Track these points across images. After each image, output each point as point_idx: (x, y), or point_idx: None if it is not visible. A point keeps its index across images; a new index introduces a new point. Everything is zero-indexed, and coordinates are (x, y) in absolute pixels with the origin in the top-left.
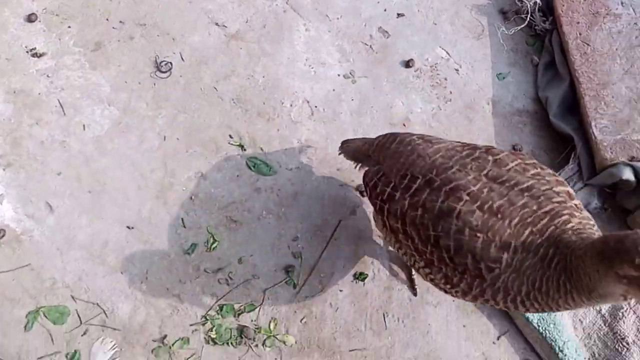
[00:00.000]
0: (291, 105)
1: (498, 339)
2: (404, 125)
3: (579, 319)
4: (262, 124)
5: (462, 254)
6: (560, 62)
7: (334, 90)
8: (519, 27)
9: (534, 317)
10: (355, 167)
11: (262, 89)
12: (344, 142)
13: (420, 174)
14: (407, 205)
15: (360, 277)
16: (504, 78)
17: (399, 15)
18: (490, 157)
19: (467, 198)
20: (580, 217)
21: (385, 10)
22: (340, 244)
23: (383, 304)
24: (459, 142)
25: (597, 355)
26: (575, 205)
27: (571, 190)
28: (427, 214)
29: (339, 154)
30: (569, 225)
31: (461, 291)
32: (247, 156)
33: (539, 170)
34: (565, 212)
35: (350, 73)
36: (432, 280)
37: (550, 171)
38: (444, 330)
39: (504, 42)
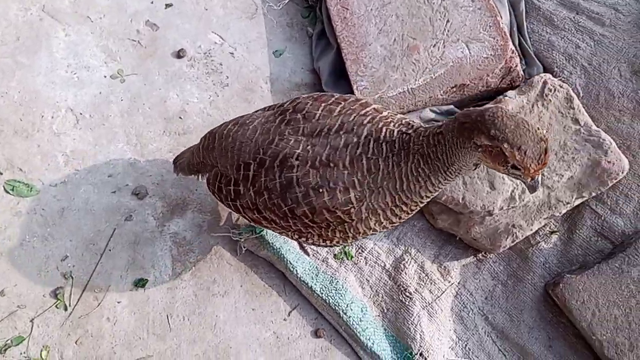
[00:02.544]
0: (52, 117)
1: (289, 314)
2: (181, 118)
3: (366, 279)
4: (20, 143)
5: (319, 212)
6: (328, 30)
7: (100, 93)
8: (287, 1)
9: (316, 285)
10: (197, 179)
11: (19, 105)
12: (175, 161)
13: (250, 159)
14: (253, 194)
15: (140, 283)
16: (280, 54)
17: (167, 5)
18: (299, 115)
19: (298, 162)
20: (396, 119)
21: (152, 2)
22: (116, 253)
23: (166, 306)
24: (268, 108)
25: (385, 310)
26: (385, 115)
27: (377, 106)
28: (273, 194)
29: (177, 175)
30: (392, 127)
31: (340, 239)
32: (3, 180)
33: (342, 103)
34: (380, 124)
35: (118, 72)
36: (313, 243)
37: (353, 98)
38: (233, 319)
39: (279, 18)
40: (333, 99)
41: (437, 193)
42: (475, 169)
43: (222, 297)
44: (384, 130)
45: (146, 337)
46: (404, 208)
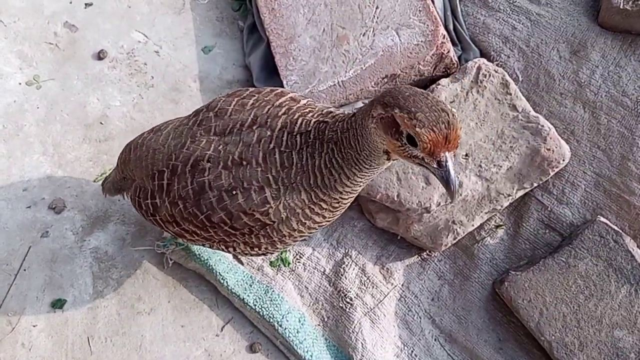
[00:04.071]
0: None
1: (222, 329)
2: (102, 123)
3: (305, 286)
4: None
5: (236, 217)
6: (259, 23)
7: (15, 101)
8: None
9: (250, 297)
10: (123, 197)
11: None
12: (103, 183)
13: (164, 167)
14: (169, 205)
15: (57, 304)
16: (210, 51)
17: (87, 5)
18: (211, 114)
19: (209, 164)
20: (316, 109)
21: (70, 2)
22: (31, 273)
23: (87, 328)
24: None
25: (326, 319)
26: (304, 104)
27: (294, 95)
28: (187, 203)
29: (105, 197)
30: (310, 117)
31: (268, 244)
32: None
33: (256, 96)
34: (297, 115)
35: (34, 78)
36: (242, 253)
37: (268, 89)
38: (161, 337)
39: (208, 13)
40: (247, 92)
41: (356, 188)
42: (388, 159)
43: (148, 315)
44: (299, 120)
45: None
46: (324, 206)
